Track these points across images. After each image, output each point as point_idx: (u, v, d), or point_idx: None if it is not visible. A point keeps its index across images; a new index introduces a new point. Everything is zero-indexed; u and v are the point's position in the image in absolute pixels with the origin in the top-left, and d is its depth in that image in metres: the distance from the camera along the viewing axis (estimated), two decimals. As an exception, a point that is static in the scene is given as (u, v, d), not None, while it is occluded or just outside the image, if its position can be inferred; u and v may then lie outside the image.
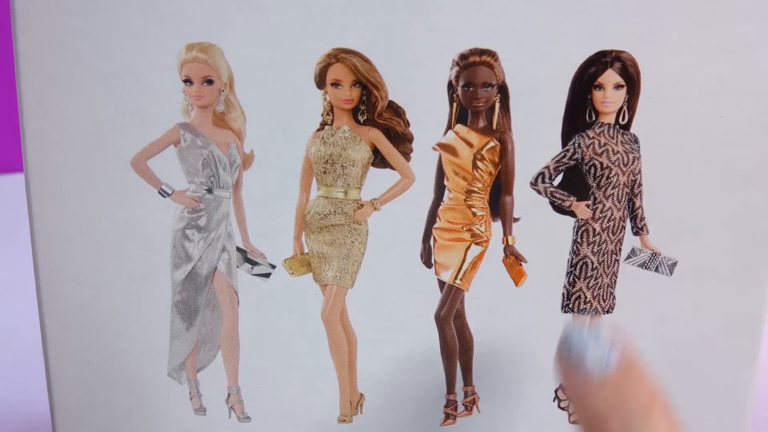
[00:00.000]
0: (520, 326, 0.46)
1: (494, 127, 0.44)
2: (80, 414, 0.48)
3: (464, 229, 0.45)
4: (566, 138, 0.43)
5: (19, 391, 0.61)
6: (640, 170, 0.44)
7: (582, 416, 0.39)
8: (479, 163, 0.44)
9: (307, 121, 0.43)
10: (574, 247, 0.45)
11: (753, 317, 0.46)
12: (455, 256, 0.46)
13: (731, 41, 0.41)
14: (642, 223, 0.45)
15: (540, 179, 0.44)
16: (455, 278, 0.46)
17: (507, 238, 0.45)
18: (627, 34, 0.41)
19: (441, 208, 0.45)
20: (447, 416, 0.48)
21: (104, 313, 0.46)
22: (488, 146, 0.44)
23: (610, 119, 0.44)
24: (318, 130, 0.44)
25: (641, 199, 0.44)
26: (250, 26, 0.41)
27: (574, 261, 0.45)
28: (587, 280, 0.46)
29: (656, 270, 0.45)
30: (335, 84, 0.43)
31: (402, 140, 0.44)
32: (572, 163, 0.44)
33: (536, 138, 0.43)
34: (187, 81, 0.43)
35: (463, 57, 0.42)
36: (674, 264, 0.45)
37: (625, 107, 0.43)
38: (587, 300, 0.46)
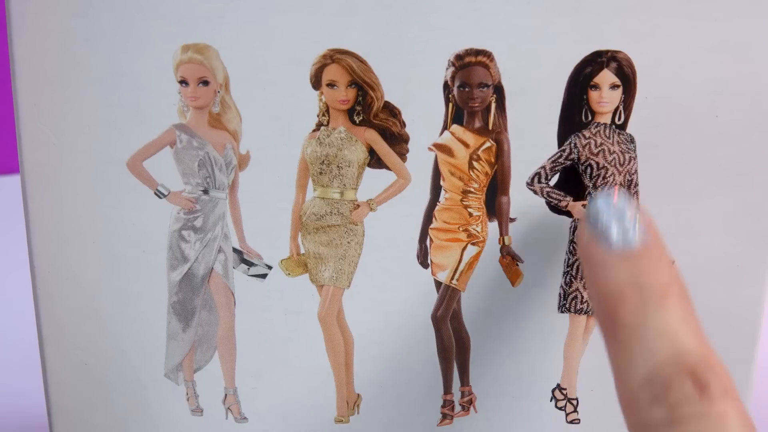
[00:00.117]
0: (517, 326, 0.46)
1: (490, 127, 0.44)
2: (77, 415, 0.48)
3: (461, 229, 0.45)
4: (562, 138, 0.43)
5: (15, 392, 0.61)
6: (636, 170, 0.44)
7: (597, 292, 0.38)
8: (475, 164, 0.44)
9: (302, 121, 0.43)
10: (571, 247, 0.45)
11: (751, 317, 0.46)
12: (452, 256, 0.46)
13: (727, 41, 0.41)
14: (638, 223, 0.45)
15: (536, 179, 0.44)
16: (452, 278, 0.46)
17: (503, 239, 0.45)
18: (623, 34, 0.41)
19: (437, 208, 0.45)
20: (444, 416, 0.48)
21: (101, 314, 0.46)
22: (484, 146, 0.44)
23: (606, 119, 0.44)
24: (314, 130, 0.44)
25: (638, 198, 0.44)
26: (246, 27, 0.41)
27: (570, 261, 0.45)
28: (584, 280, 0.45)
29: (653, 270, 0.45)
30: (331, 85, 0.43)
31: (398, 141, 0.44)
32: (568, 163, 0.44)
33: (532, 138, 0.43)
34: (183, 82, 0.43)
35: (459, 57, 0.42)
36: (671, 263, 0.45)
37: (621, 107, 0.43)
38: (584, 300, 0.46)
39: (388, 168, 0.44)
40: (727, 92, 0.42)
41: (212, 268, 0.46)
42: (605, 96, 0.43)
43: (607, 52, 0.42)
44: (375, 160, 0.44)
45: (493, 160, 0.44)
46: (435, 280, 0.46)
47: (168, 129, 0.44)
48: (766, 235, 0.45)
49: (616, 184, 0.44)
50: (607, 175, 0.44)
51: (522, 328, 0.46)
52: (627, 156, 0.44)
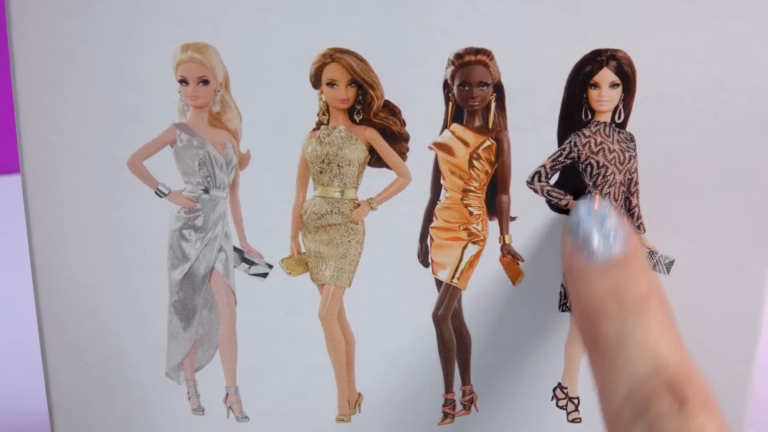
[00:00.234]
0: (518, 325, 0.46)
1: (490, 126, 0.44)
2: (78, 414, 0.48)
3: (461, 228, 0.45)
4: (562, 137, 0.43)
5: (16, 392, 0.62)
6: (636, 169, 0.44)
7: (579, 305, 0.38)
8: (475, 162, 0.44)
9: (303, 120, 0.43)
10: (571, 246, 0.45)
11: (751, 316, 0.46)
12: (452, 255, 0.46)
13: (727, 39, 0.41)
14: (639, 222, 0.45)
15: (536, 178, 0.44)
16: (452, 277, 0.46)
17: (504, 237, 0.45)
18: (622, 33, 0.41)
19: (438, 207, 0.45)
20: (445, 415, 0.48)
21: (102, 313, 0.46)
22: (484, 145, 0.44)
23: (606, 118, 0.44)
24: (314, 129, 0.44)
25: (638, 197, 0.44)
26: (246, 26, 0.41)
27: (571, 260, 0.45)
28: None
29: (653, 269, 0.45)
30: (331, 84, 0.43)
31: (398, 140, 0.44)
32: (568, 161, 0.44)
33: (532, 137, 0.43)
34: (183, 81, 0.43)
35: (459, 56, 0.42)
36: (671, 263, 0.45)
37: (620, 106, 0.43)
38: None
39: (388, 167, 0.44)
40: (727, 91, 0.42)
41: (213, 268, 0.46)
42: (605, 95, 0.43)
43: (606, 50, 0.42)
44: (375, 159, 0.44)
45: (493, 158, 0.44)
46: (436, 279, 0.46)
47: (168, 128, 0.44)
48: (766, 234, 0.44)
49: (615, 182, 0.44)
50: (607, 174, 0.44)
51: (523, 327, 0.46)
52: (627, 155, 0.44)
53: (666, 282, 0.45)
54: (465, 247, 0.46)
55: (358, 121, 0.44)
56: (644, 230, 0.45)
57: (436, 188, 0.45)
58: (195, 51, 0.42)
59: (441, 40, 0.41)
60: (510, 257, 0.45)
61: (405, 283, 0.46)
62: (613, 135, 0.44)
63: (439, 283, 0.46)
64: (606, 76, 0.42)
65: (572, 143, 0.44)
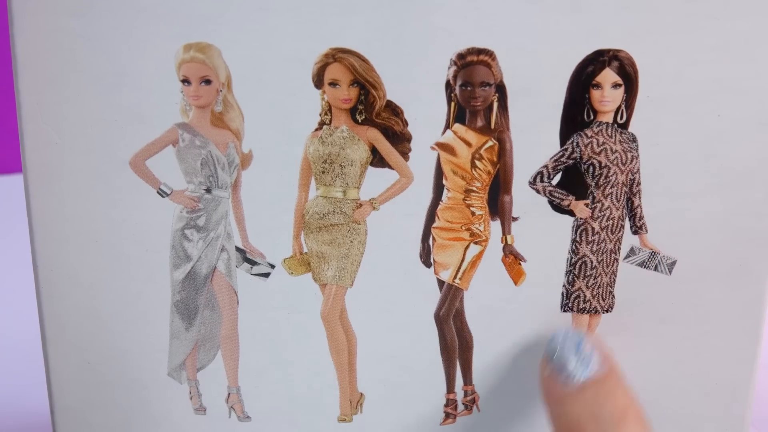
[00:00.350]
0: (520, 325, 0.46)
1: (492, 126, 0.44)
2: (80, 414, 0.48)
3: (463, 228, 0.45)
4: (564, 137, 0.43)
5: (18, 392, 0.62)
6: (638, 169, 0.44)
7: (558, 423, 0.39)
8: (478, 163, 0.44)
9: (305, 120, 0.43)
10: (573, 246, 0.45)
11: (752, 316, 0.46)
12: (454, 255, 0.46)
13: (729, 40, 0.41)
14: (641, 222, 0.45)
15: (539, 178, 0.44)
16: (454, 277, 0.46)
17: (506, 238, 0.45)
18: (625, 33, 0.41)
19: (440, 207, 0.45)
20: (447, 415, 0.48)
21: (104, 313, 0.46)
22: (486, 145, 0.44)
23: (608, 118, 0.44)
24: (316, 129, 0.44)
25: (640, 198, 0.44)
26: (248, 26, 0.41)
27: (573, 260, 0.45)
28: (586, 280, 0.46)
29: (655, 269, 0.45)
30: (333, 84, 0.43)
31: (400, 140, 0.44)
32: (571, 162, 0.44)
33: (534, 137, 0.43)
34: (185, 81, 0.43)
35: (461, 56, 0.42)
36: (673, 263, 0.45)
37: (623, 106, 0.43)
38: (586, 299, 0.46)
39: (390, 167, 0.44)
40: (729, 91, 0.42)
41: (215, 267, 0.46)
42: (607, 95, 0.43)
43: (609, 51, 0.42)
44: (377, 159, 0.44)
45: (495, 159, 0.44)
46: (438, 279, 0.46)
47: (170, 128, 0.44)
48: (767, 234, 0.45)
49: (618, 183, 0.44)
50: (609, 174, 0.44)
51: (525, 327, 0.46)
52: (629, 155, 0.44)
53: (668, 282, 0.45)
54: (467, 248, 0.46)
55: (360, 121, 0.44)
56: (646, 230, 0.45)
57: (439, 188, 0.45)
58: (197, 51, 0.42)
59: (443, 40, 0.41)
60: (512, 257, 0.45)
61: (407, 283, 0.46)
62: (615, 135, 0.44)
63: (441, 283, 0.46)
64: (608, 76, 0.42)
65: (574, 143, 0.44)
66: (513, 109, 0.43)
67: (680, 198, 0.44)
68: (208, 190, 0.45)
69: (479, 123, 0.44)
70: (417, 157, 0.44)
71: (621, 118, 0.43)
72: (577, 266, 0.45)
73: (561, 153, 0.44)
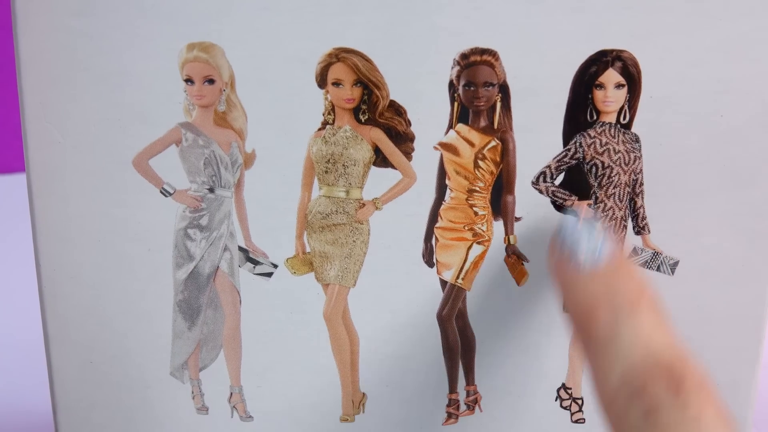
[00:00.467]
0: (522, 325, 0.46)
1: (495, 126, 0.44)
2: (82, 413, 0.48)
3: (466, 228, 0.45)
4: (567, 137, 0.43)
5: (21, 391, 0.62)
6: (641, 169, 0.44)
7: (571, 307, 0.39)
8: (481, 163, 0.44)
9: (308, 120, 0.43)
10: (576, 247, 0.45)
11: (755, 316, 0.46)
12: (457, 255, 0.46)
13: (732, 40, 0.41)
14: (643, 223, 0.45)
15: (541, 178, 0.44)
16: (457, 277, 0.46)
17: (509, 238, 0.45)
18: (628, 34, 0.41)
19: (443, 207, 0.45)
20: (449, 415, 0.48)
21: (106, 312, 0.46)
22: (489, 145, 0.44)
23: (611, 118, 0.44)
24: (319, 129, 0.44)
25: (642, 198, 0.44)
26: (252, 26, 0.42)
27: (575, 260, 0.45)
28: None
29: (658, 269, 0.45)
30: (336, 83, 0.43)
31: (403, 140, 0.44)
32: (573, 162, 0.44)
33: (537, 137, 0.43)
34: (189, 80, 0.43)
35: (464, 56, 0.42)
36: (676, 263, 0.45)
37: (626, 106, 0.43)
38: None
39: (393, 167, 0.44)
40: (731, 92, 0.42)
41: (218, 267, 0.46)
42: (610, 95, 0.43)
43: (612, 51, 0.42)
44: (380, 159, 0.44)
45: (498, 159, 0.44)
46: (440, 279, 0.46)
47: (174, 127, 0.44)
48: (770, 235, 0.45)
49: (620, 183, 0.44)
50: (612, 175, 0.44)
51: (527, 328, 0.46)
52: (632, 155, 0.44)
53: (670, 282, 0.45)
54: (470, 248, 0.46)
55: (363, 120, 0.44)
56: (649, 231, 0.45)
57: (441, 188, 0.45)
58: (201, 50, 0.42)
59: (447, 40, 0.41)
60: (515, 257, 0.45)
61: (410, 283, 0.46)
62: (618, 135, 0.44)
63: (443, 283, 0.46)
64: (611, 76, 0.42)
65: (577, 144, 0.44)
66: (516, 109, 0.43)
67: (683, 198, 0.44)
68: (211, 190, 0.45)
69: (482, 123, 0.44)
70: (420, 157, 0.44)
71: (624, 119, 0.43)
72: (580, 266, 0.45)
73: (564, 153, 0.44)
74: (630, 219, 0.45)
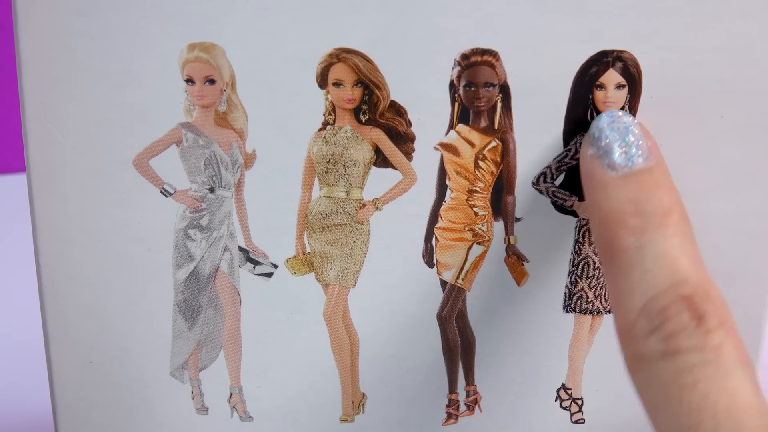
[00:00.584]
0: (522, 326, 0.46)
1: (496, 126, 0.44)
2: (82, 413, 0.48)
3: (466, 228, 0.45)
4: (568, 138, 0.43)
5: (20, 391, 0.62)
6: (641, 170, 0.44)
7: (597, 215, 0.37)
8: (481, 163, 0.44)
9: (308, 120, 0.43)
10: (576, 247, 0.45)
11: (754, 317, 0.46)
12: (457, 255, 0.46)
13: (733, 41, 0.41)
14: (644, 223, 0.45)
15: (542, 179, 0.44)
16: (457, 278, 0.46)
17: (509, 238, 0.45)
18: (628, 34, 0.41)
19: (443, 207, 0.45)
20: (449, 416, 0.48)
21: (106, 312, 0.46)
22: (490, 146, 0.44)
23: (612, 119, 0.43)
24: (320, 129, 0.44)
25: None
26: (252, 26, 0.42)
27: (575, 261, 0.45)
28: (589, 280, 0.46)
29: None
30: (337, 84, 0.43)
31: (404, 140, 0.44)
32: (574, 162, 0.44)
33: (538, 138, 0.43)
34: (189, 81, 0.43)
35: (465, 57, 0.42)
36: (676, 263, 0.45)
37: (626, 107, 0.43)
38: (589, 300, 0.46)
39: (394, 167, 0.44)
40: (732, 92, 0.42)
41: (218, 267, 0.46)
42: (611, 96, 0.43)
43: (612, 51, 0.42)
44: (381, 160, 0.44)
45: (498, 159, 0.44)
46: (440, 279, 0.46)
47: (174, 127, 0.44)
48: (771, 235, 0.45)
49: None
50: (613, 175, 0.44)
51: (527, 328, 0.46)
52: (632, 156, 0.44)
53: (671, 283, 0.45)
54: (470, 248, 0.46)
55: (364, 121, 0.44)
56: (649, 231, 0.45)
57: (442, 189, 0.45)
58: (201, 50, 0.42)
59: (447, 40, 0.41)
60: (515, 258, 0.45)
61: (410, 283, 0.46)
62: (618, 136, 0.44)
63: (443, 283, 0.46)
64: (612, 77, 0.42)
65: (578, 144, 0.44)
66: (517, 110, 0.43)
67: (683, 198, 0.44)
68: (212, 190, 0.45)
69: (483, 123, 0.44)
70: (420, 158, 0.44)
71: (624, 119, 0.43)
72: (580, 267, 0.45)
73: (564, 153, 0.44)
74: (630, 219, 0.45)
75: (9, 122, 0.98)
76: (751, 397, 0.32)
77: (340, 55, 0.42)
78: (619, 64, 0.42)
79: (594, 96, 0.43)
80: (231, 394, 0.48)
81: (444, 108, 0.43)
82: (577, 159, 0.44)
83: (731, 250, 0.45)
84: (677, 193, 0.37)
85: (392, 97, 0.43)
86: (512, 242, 0.45)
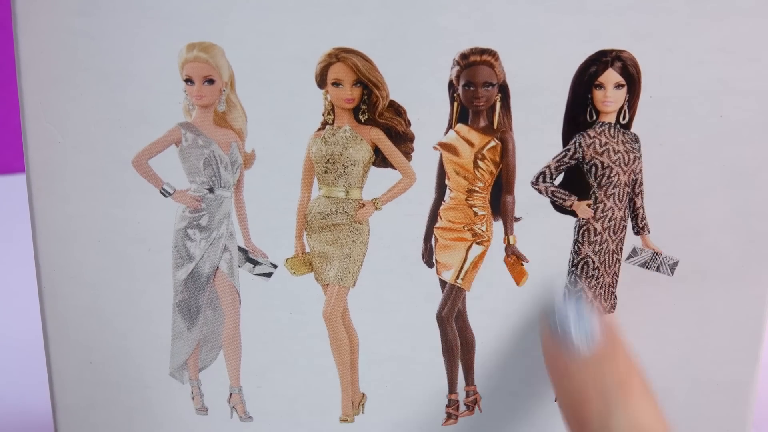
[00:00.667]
0: (522, 326, 0.46)
1: (495, 126, 0.44)
2: (82, 413, 0.48)
3: (465, 228, 0.45)
4: (567, 137, 0.43)
5: (21, 391, 0.62)
6: (641, 170, 0.44)
7: (563, 397, 0.39)
8: (480, 163, 0.44)
9: (308, 120, 0.43)
10: (576, 247, 0.45)
11: (754, 317, 0.46)
12: (457, 255, 0.46)
13: (731, 41, 0.41)
14: (643, 223, 0.45)
15: (541, 179, 0.44)
16: (457, 278, 0.46)
17: (508, 238, 0.45)
18: (627, 34, 0.41)
19: (442, 207, 0.45)
20: (449, 416, 0.48)
21: (106, 312, 0.46)
22: (489, 145, 0.44)
23: (611, 119, 0.44)
24: (319, 129, 0.44)
25: (642, 198, 0.44)
26: (251, 26, 0.42)
27: (575, 261, 0.45)
28: (588, 280, 0.46)
29: (657, 269, 0.45)
30: (336, 83, 0.43)
31: (403, 140, 0.44)
32: (573, 162, 0.44)
33: (537, 137, 0.43)
34: (189, 80, 0.43)
35: (464, 56, 0.42)
36: (675, 263, 0.45)
37: (625, 107, 0.43)
38: (589, 300, 0.46)
39: (393, 167, 0.44)
40: (731, 92, 0.42)
41: (217, 267, 0.46)
42: (610, 95, 0.43)
43: (611, 51, 0.42)
44: (380, 159, 0.44)
45: (497, 159, 0.44)
46: (440, 279, 0.46)
47: (173, 127, 0.44)
48: (770, 235, 0.45)
49: (620, 183, 0.44)
50: (612, 175, 0.44)
51: (527, 328, 0.46)
52: (631, 155, 0.44)
53: (670, 283, 0.45)
54: (469, 248, 0.46)
55: (363, 120, 0.44)
56: (649, 231, 0.45)
57: (441, 189, 0.45)
58: (201, 50, 0.42)
59: (446, 40, 0.41)
60: (514, 258, 0.45)
61: (409, 283, 0.46)
62: (617, 136, 0.44)
63: (443, 283, 0.46)
64: (611, 76, 0.42)
65: (577, 144, 0.44)
66: (516, 109, 0.43)
67: (682, 198, 0.44)
68: (211, 190, 0.45)
69: (482, 123, 0.44)
70: (420, 157, 0.44)
71: (623, 119, 0.43)
72: (580, 267, 0.45)
73: (563, 153, 0.44)
74: (630, 219, 0.45)
75: (9, 122, 0.98)
76: None
77: (339, 55, 0.42)
78: (618, 64, 0.42)
79: (593, 95, 0.43)
80: (231, 394, 0.48)
81: (443, 108, 0.43)
82: (577, 158, 0.44)
83: (731, 250, 0.45)
84: (635, 364, 0.39)
85: (391, 97, 0.43)
86: (512, 242, 0.45)
